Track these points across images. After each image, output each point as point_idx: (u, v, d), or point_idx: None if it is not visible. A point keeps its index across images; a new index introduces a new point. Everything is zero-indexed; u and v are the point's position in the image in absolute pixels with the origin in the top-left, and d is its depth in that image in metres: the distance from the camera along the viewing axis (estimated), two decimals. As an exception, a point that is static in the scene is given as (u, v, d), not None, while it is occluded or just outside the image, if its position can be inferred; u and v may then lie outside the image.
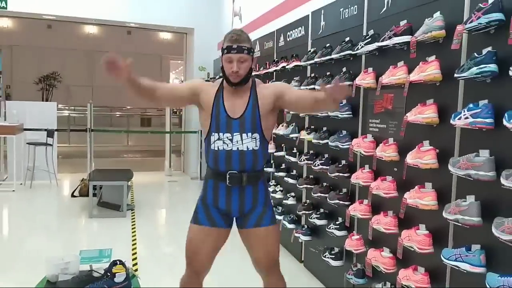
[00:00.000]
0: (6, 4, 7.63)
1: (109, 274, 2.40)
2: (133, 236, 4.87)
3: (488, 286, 1.82)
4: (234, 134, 2.26)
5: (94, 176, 5.89)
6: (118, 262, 2.51)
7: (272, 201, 2.56)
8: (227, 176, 2.27)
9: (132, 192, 7.01)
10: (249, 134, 2.27)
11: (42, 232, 5.04)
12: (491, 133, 1.93)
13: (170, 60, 23.21)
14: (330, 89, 1.99)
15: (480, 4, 1.95)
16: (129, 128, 15.98)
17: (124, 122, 17.81)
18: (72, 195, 6.63)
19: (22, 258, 4.15)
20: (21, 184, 7.27)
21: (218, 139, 2.27)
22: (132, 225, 5.30)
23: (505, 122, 1.78)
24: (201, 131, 8.32)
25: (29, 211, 6.12)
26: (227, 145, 2.26)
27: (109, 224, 5.33)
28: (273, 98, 2.33)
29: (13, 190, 6.87)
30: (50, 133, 7.48)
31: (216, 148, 2.27)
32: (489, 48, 1.93)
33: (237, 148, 2.26)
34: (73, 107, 18.40)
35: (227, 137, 2.26)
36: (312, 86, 3.65)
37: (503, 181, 1.78)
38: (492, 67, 1.88)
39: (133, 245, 4.58)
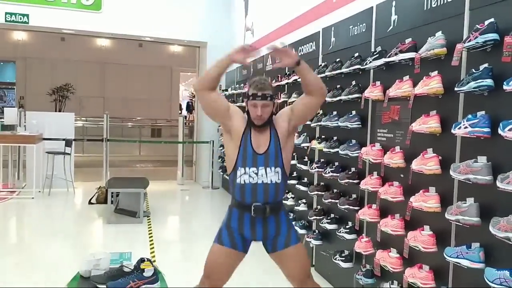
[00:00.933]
0: (28, 19, 7.99)
1: (138, 269, 2.61)
2: (150, 241, 5.08)
3: (486, 279, 2.01)
4: (259, 168, 2.47)
5: (112, 184, 6.13)
6: (145, 259, 2.72)
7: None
8: (252, 208, 2.48)
9: (147, 200, 7.24)
10: (273, 168, 2.49)
11: (62, 237, 5.28)
12: (488, 141, 2.14)
13: (180, 72, 23.56)
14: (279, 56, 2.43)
15: (478, 25, 2.17)
16: (140, 138, 16.26)
17: (135, 132, 18.11)
18: (90, 202, 6.87)
19: (44, 261, 4.38)
20: (39, 191, 7.52)
21: (244, 173, 2.48)
22: (149, 230, 5.52)
23: (500, 131, 1.99)
24: (212, 141, 8.62)
25: (49, 217, 6.37)
26: (253, 179, 2.47)
27: (127, 230, 5.55)
28: (287, 120, 2.56)
29: (32, 197, 7.13)
30: (68, 143, 7.75)
31: (242, 182, 2.48)
32: (486, 65, 2.15)
33: (262, 181, 2.47)
34: (84, 118, 18.74)
35: (253, 171, 2.47)
36: (323, 98, 3.87)
37: (499, 184, 1.98)
38: (488, 81, 2.10)
39: (151, 249, 4.79)
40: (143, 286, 2.58)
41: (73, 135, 8.22)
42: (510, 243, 1.92)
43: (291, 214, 4.63)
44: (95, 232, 5.64)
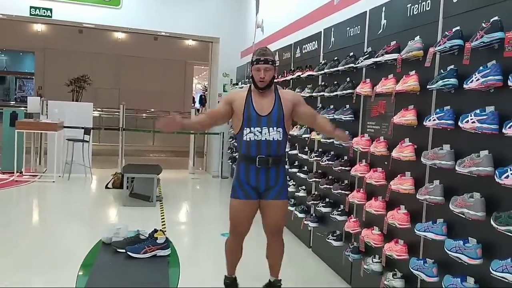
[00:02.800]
0: (51, 13, 8.46)
1: (152, 237, 3.03)
2: (162, 222, 5.51)
3: (445, 249, 2.38)
4: (263, 127, 2.94)
5: (128, 170, 6.57)
6: (158, 229, 3.14)
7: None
8: (257, 159, 2.94)
9: (159, 186, 7.67)
10: (275, 128, 2.95)
11: (81, 216, 5.75)
12: (452, 132, 2.49)
13: (194, 65, 24.01)
14: (338, 136, 3.14)
15: (446, 32, 2.53)
16: (154, 129, 16.73)
17: (148, 124, 18.59)
18: (106, 187, 7.34)
19: (65, 237, 4.83)
20: (59, 176, 8.00)
21: (250, 132, 2.95)
22: (161, 213, 5.95)
23: (459, 123, 2.35)
24: (223, 133, 9.02)
25: (69, 198, 6.86)
26: (257, 136, 2.94)
27: (141, 212, 5.99)
28: (292, 105, 3.05)
29: (53, 181, 7.62)
30: (87, 131, 8.22)
31: (248, 139, 2.96)
32: (452, 66, 2.51)
33: (265, 138, 2.94)
34: (100, 108, 19.26)
35: (257, 130, 2.94)
36: (322, 93, 4.25)
37: (457, 167, 2.35)
38: (452, 81, 2.46)
39: (162, 229, 5.21)
40: (156, 251, 2.99)
41: (91, 124, 8.69)
42: (464, 217, 2.28)
43: (292, 200, 5.01)
44: (111, 213, 6.09)
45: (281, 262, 3.29)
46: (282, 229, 3.23)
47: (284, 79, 5.42)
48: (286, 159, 5.28)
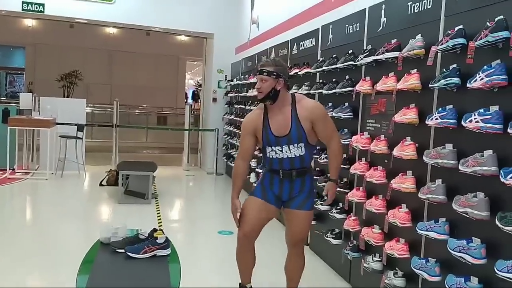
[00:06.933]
0: (44, 8, 8.35)
1: (152, 237, 3.00)
2: (158, 220, 5.48)
3: (448, 248, 2.38)
4: (283, 146, 2.86)
5: (123, 167, 6.52)
6: (157, 229, 3.11)
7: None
8: (280, 172, 2.90)
9: (155, 183, 7.63)
10: (296, 145, 2.85)
11: (76, 214, 5.71)
12: (455, 131, 2.49)
13: (186, 61, 23.88)
14: (328, 187, 3.04)
15: (449, 31, 2.52)
16: (147, 125, 16.65)
17: (141, 120, 18.49)
18: (100, 184, 7.25)
19: (61, 235, 4.78)
20: (52, 173, 7.92)
21: (271, 150, 2.89)
22: (157, 210, 5.92)
23: (463, 122, 2.34)
24: (217, 129, 8.99)
25: (63, 196, 6.80)
26: (279, 155, 2.88)
27: (136, 209, 5.94)
28: (310, 122, 2.84)
29: (46, 179, 7.54)
30: (80, 128, 8.14)
31: (271, 157, 2.92)
32: (454, 65, 2.49)
33: (287, 156, 2.87)
34: (92, 104, 19.11)
35: (278, 149, 2.87)
36: (320, 91, 4.23)
37: (460, 167, 2.34)
38: (455, 80, 2.45)
39: (159, 227, 5.18)
40: (156, 251, 2.96)
41: (85, 120, 8.60)
42: (468, 217, 2.28)
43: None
44: (107, 210, 6.04)
45: (301, 277, 3.13)
46: (304, 242, 3.12)
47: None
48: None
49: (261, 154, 3.18)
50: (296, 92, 3.17)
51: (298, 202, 2.95)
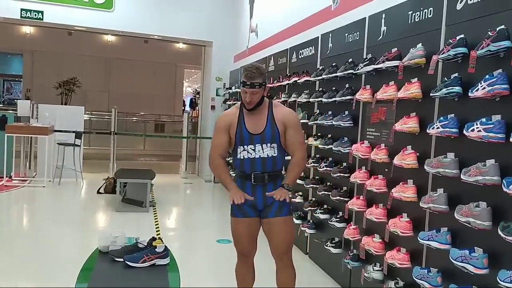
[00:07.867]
0: (43, 16, 8.36)
1: (151, 246, 2.97)
2: (156, 228, 5.44)
3: (451, 258, 2.36)
4: (256, 144, 2.82)
5: (120, 175, 6.49)
6: (156, 237, 3.09)
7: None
8: (252, 176, 2.83)
9: (152, 191, 7.59)
10: (268, 144, 2.83)
11: (74, 222, 5.67)
12: (456, 140, 2.48)
13: (184, 68, 23.91)
14: (277, 192, 2.81)
15: (450, 40, 2.52)
16: (145, 133, 16.62)
17: (139, 127, 18.44)
18: (98, 192, 7.23)
19: (58, 243, 4.74)
20: (50, 181, 7.88)
21: (244, 150, 2.84)
22: (155, 219, 5.88)
23: (465, 132, 2.34)
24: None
25: (61, 204, 6.76)
26: (251, 154, 2.83)
27: (134, 217, 5.91)
28: (283, 125, 2.86)
29: (44, 186, 7.50)
30: (78, 135, 8.11)
31: (242, 157, 2.85)
32: (456, 74, 2.50)
33: (259, 156, 2.83)
34: (89, 112, 19.07)
35: (250, 148, 2.83)
36: (319, 99, 4.23)
37: (462, 176, 2.33)
38: (457, 89, 2.45)
39: (157, 235, 5.14)
40: (155, 260, 2.93)
41: (83, 128, 8.57)
42: (470, 226, 2.26)
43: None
44: (104, 218, 6.00)
45: (295, 286, 2.98)
46: (290, 251, 2.96)
47: (279, 84, 5.40)
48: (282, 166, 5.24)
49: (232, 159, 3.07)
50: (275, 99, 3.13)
51: (274, 209, 2.85)
